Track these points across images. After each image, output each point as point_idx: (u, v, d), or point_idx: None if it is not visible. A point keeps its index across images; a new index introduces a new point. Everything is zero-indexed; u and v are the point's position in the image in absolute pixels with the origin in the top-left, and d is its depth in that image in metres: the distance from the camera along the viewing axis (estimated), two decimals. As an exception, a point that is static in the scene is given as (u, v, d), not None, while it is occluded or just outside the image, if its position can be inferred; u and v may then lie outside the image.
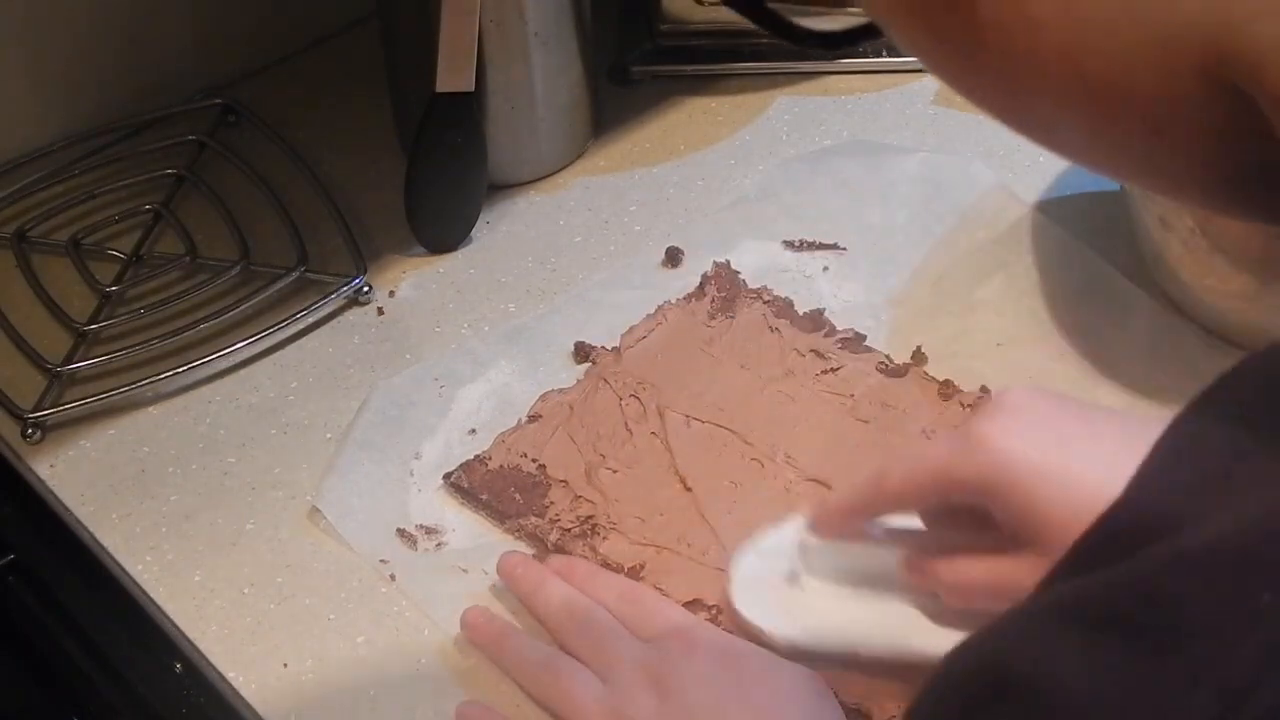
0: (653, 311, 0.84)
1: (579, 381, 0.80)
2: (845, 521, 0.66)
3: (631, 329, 0.83)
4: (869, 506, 0.66)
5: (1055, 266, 0.86)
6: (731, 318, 0.83)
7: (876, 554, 0.66)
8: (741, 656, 0.64)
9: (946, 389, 0.78)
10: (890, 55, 1.02)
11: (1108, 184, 0.87)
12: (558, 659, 0.67)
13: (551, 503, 0.74)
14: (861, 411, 0.78)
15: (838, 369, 0.80)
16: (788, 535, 0.68)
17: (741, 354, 0.81)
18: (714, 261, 0.86)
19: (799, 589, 0.67)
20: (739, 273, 0.86)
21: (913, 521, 0.66)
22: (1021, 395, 0.62)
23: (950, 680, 0.35)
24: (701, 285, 0.85)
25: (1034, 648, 0.32)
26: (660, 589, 0.70)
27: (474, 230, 0.90)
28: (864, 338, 0.82)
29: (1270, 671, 0.28)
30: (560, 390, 0.80)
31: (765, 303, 0.84)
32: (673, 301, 0.84)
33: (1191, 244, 0.77)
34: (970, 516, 0.62)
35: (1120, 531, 0.33)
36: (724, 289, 0.84)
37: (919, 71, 1.01)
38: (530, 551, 0.73)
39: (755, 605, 0.67)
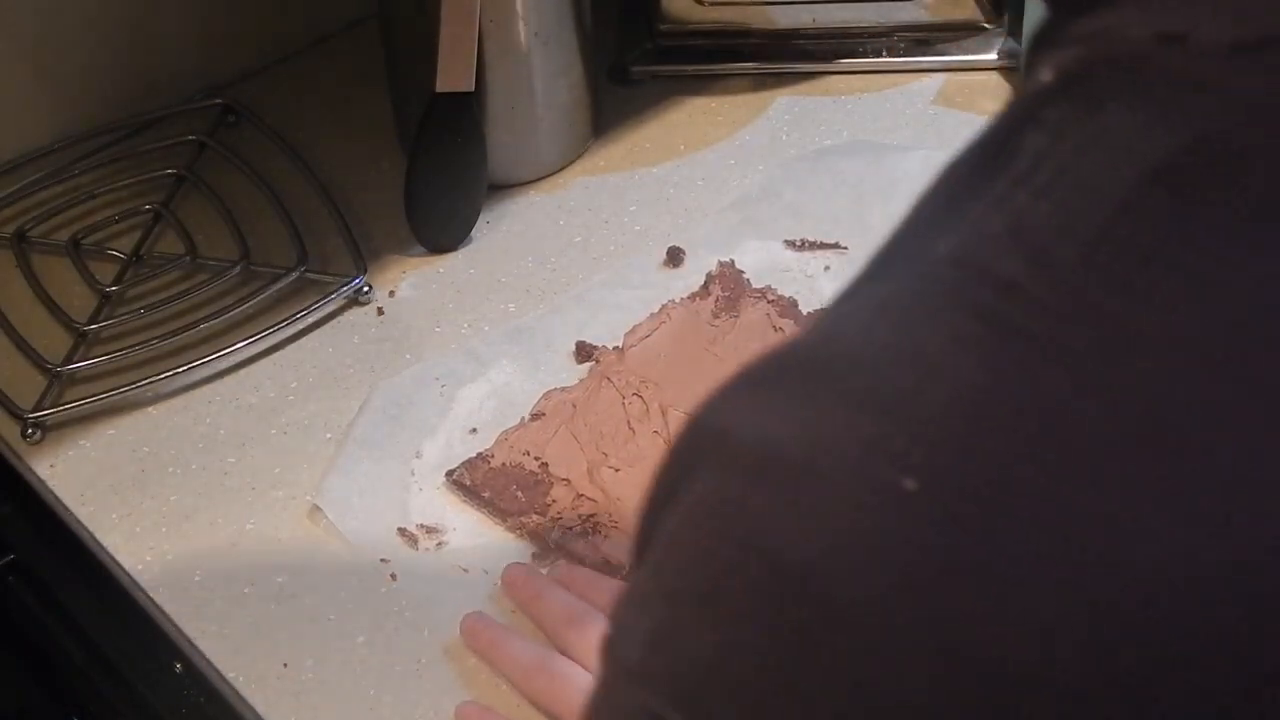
0: (656, 310, 0.84)
1: (582, 380, 0.80)
2: None
3: (635, 328, 0.83)
4: None
5: (1057, 266, 0.86)
6: (735, 317, 0.83)
7: None
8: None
9: (948, 388, 0.78)
10: (890, 55, 1.02)
11: (1109, 183, 0.87)
12: (554, 660, 0.66)
13: (553, 501, 0.74)
14: (863, 411, 0.77)
15: (839, 368, 0.80)
16: None
17: (745, 353, 0.81)
18: (718, 261, 0.86)
19: None
20: (743, 272, 0.85)
21: None
22: None
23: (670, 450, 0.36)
24: (706, 284, 0.85)
25: (720, 404, 0.34)
26: (662, 588, 0.70)
27: (474, 230, 0.90)
28: (866, 337, 0.82)
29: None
30: (563, 389, 0.80)
31: (769, 302, 0.84)
32: (676, 300, 0.84)
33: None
34: None
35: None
36: (728, 288, 0.84)
37: (919, 71, 1.01)
38: (532, 550, 0.73)
39: None
